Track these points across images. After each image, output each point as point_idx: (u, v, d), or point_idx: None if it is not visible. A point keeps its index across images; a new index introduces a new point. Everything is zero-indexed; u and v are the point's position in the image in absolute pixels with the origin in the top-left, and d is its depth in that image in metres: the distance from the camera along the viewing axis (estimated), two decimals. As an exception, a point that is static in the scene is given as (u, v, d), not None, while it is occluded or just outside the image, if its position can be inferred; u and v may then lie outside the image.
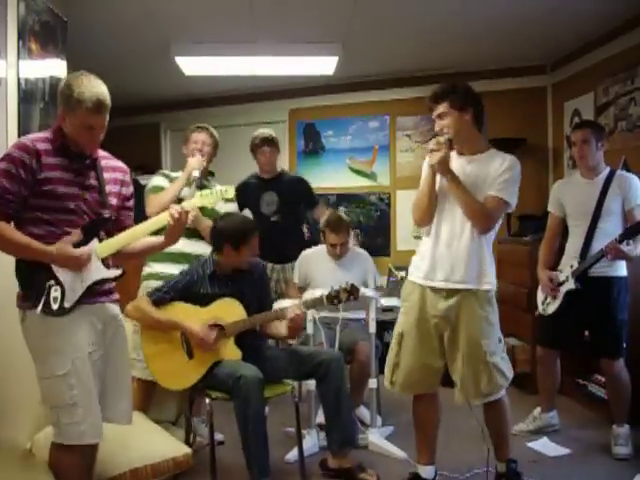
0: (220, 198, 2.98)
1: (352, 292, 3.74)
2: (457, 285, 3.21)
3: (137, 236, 2.78)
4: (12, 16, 3.47)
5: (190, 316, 3.60)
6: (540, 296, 4.30)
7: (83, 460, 2.61)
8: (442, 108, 3.22)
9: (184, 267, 3.81)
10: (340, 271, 4.65)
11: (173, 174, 4.13)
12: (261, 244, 5.02)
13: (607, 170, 4.05)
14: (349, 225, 4.72)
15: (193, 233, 3.95)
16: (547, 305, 4.21)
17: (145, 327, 3.63)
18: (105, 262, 2.68)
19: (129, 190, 2.89)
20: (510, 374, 3.30)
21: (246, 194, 4.96)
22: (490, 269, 3.26)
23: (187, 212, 2.80)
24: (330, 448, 3.77)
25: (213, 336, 3.55)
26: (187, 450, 3.12)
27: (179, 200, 3.50)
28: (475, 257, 3.22)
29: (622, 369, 3.97)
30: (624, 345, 3.97)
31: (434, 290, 3.25)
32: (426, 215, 3.26)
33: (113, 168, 2.81)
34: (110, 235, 2.73)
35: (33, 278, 2.52)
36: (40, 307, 2.47)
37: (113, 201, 2.76)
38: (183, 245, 3.85)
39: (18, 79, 3.51)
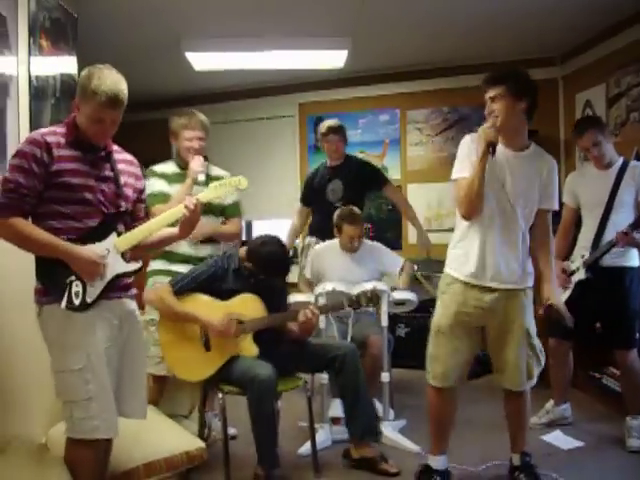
0: (234, 188, 2.96)
1: (372, 298, 3.76)
2: (507, 285, 3.20)
3: (154, 229, 2.78)
4: (23, 13, 3.48)
5: (210, 309, 3.59)
6: None
7: (97, 455, 2.61)
8: (497, 90, 3.12)
9: (190, 266, 3.80)
10: (353, 266, 4.65)
11: (167, 170, 3.99)
12: (322, 226, 5.04)
13: (620, 160, 4.04)
14: (362, 217, 4.73)
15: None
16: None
17: (163, 316, 3.63)
18: (124, 256, 2.68)
19: (142, 183, 2.91)
20: (543, 351, 3.40)
21: (312, 185, 5.32)
22: (531, 265, 3.31)
23: (202, 203, 2.81)
24: (352, 439, 3.80)
25: (233, 328, 3.55)
26: (201, 444, 3.13)
27: None
28: (523, 257, 3.25)
29: (636, 359, 3.96)
30: (637, 335, 3.96)
31: (479, 286, 3.23)
32: (478, 209, 3.15)
33: (126, 161, 2.81)
34: (128, 228, 2.73)
35: (54, 273, 2.51)
36: (64, 303, 2.47)
37: (129, 192, 2.77)
38: (187, 249, 3.86)
39: (29, 76, 3.53)
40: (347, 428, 3.84)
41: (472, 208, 3.15)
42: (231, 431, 3.99)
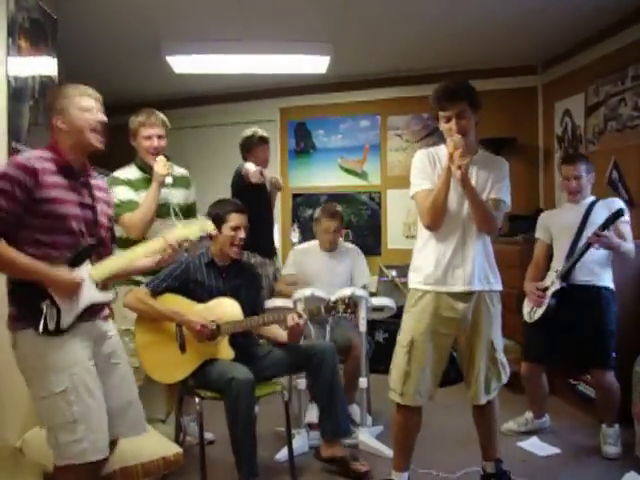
0: (202, 231, 3.01)
1: (349, 305, 3.76)
2: (476, 287, 3.16)
3: (132, 261, 2.77)
4: (1, 13, 3.46)
5: (187, 312, 3.59)
6: (526, 307, 4.29)
7: (88, 478, 2.56)
8: (460, 107, 3.09)
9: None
10: (332, 263, 4.69)
11: (130, 176, 3.86)
12: (257, 238, 4.99)
13: (592, 197, 4.14)
14: (342, 215, 4.75)
15: None
16: (534, 312, 4.20)
17: (141, 318, 3.61)
18: (97, 285, 2.64)
19: (112, 209, 2.91)
20: (508, 369, 3.34)
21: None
22: (496, 269, 3.29)
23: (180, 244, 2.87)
24: (323, 438, 3.81)
25: (213, 326, 3.54)
26: (178, 449, 3.11)
27: None
28: (487, 257, 3.24)
29: (613, 380, 3.97)
30: (614, 355, 3.98)
31: (450, 294, 3.18)
32: (442, 219, 3.12)
33: (99, 187, 2.78)
34: (101, 257, 2.69)
35: (27, 298, 2.47)
36: (41, 327, 2.43)
37: (104, 220, 2.74)
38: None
39: (7, 76, 3.49)
40: (319, 427, 3.85)
41: (438, 216, 3.11)
42: (208, 436, 3.97)
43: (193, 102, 7.57)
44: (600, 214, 3.97)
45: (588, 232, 3.94)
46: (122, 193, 3.74)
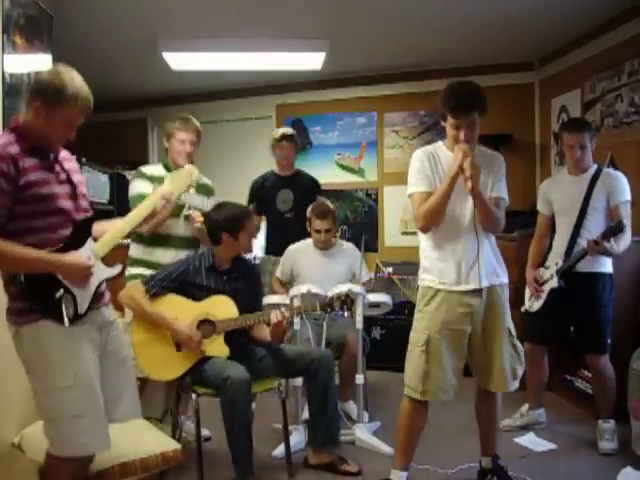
0: (190, 179, 3.20)
1: (346, 301, 3.76)
2: (487, 284, 3.18)
3: (128, 229, 2.76)
4: (-4, 9, 3.45)
5: (183, 310, 3.58)
6: (527, 293, 4.31)
7: (77, 467, 2.56)
8: (473, 118, 3.09)
9: None
10: (327, 263, 4.67)
11: (155, 171, 3.96)
12: (274, 239, 5.08)
13: (594, 167, 4.05)
14: (335, 214, 4.74)
15: (169, 242, 3.92)
16: (532, 302, 4.22)
17: (135, 314, 3.61)
18: (103, 260, 2.62)
19: (84, 175, 2.86)
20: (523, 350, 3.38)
21: (263, 189, 5.28)
22: (502, 262, 3.33)
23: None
24: (312, 445, 3.82)
25: (198, 338, 3.53)
26: (176, 446, 3.09)
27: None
28: (494, 253, 3.27)
29: (607, 364, 3.99)
30: (609, 341, 3.99)
31: (462, 292, 3.18)
32: (438, 223, 3.15)
33: (67, 159, 2.68)
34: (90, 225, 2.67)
35: (41, 291, 2.43)
36: (66, 321, 2.42)
37: (83, 190, 2.68)
38: (165, 258, 3.88)
39: (2, 73, 3.48)
40: (308, 433, 3.87)
41: (434, 221, 3.14)
42: (204, 433, 3.97)
43: (190, 99, 7.54)
44: (600, 198, 3.95)
45: (588, 219, 3.96)
46: (139, 186, 3.87)
